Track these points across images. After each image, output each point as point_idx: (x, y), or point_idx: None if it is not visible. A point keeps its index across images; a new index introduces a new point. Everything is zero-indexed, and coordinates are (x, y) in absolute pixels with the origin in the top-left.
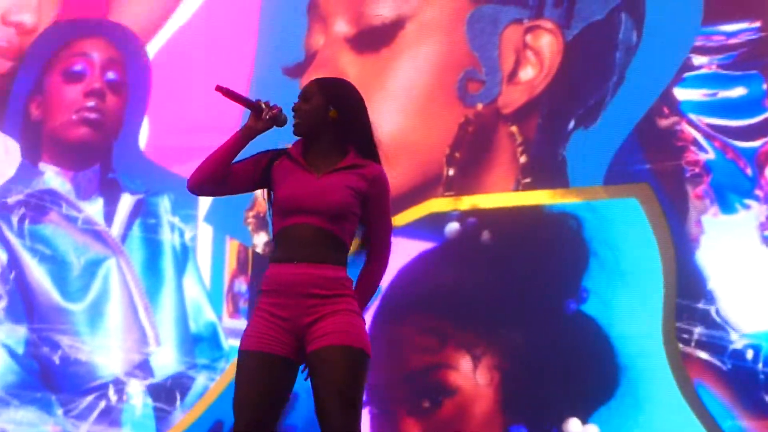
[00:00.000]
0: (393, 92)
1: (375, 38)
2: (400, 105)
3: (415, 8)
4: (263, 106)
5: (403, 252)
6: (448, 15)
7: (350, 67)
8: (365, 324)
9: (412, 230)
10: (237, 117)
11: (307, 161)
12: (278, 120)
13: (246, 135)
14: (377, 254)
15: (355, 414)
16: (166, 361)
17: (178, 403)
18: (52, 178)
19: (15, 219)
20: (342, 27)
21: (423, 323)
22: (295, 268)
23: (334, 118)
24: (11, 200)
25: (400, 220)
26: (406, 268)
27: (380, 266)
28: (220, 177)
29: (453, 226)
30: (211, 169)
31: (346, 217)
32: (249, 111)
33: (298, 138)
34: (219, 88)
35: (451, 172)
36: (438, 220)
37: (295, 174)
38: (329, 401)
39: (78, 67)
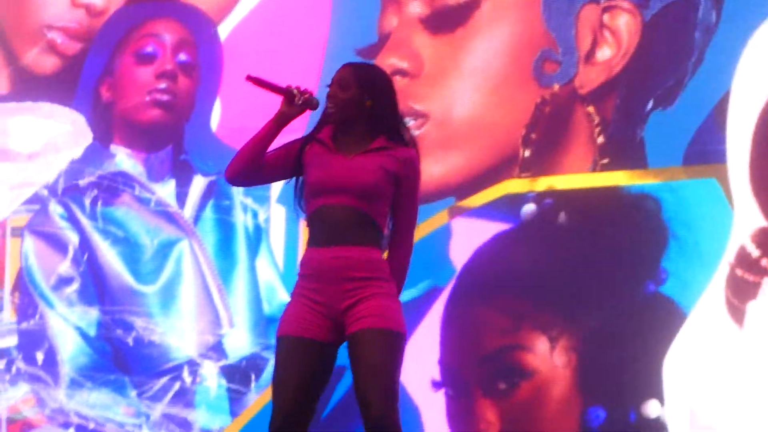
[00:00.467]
0: (468, 73)
1: (450, 19)
2: (475, 86)
3: None
4: (295, 91)
5: (478, 233)
6: None
7: (424, 49)
8: (401, 307)
9: (488, 211)
10: None
11: (337, 145)
12: (311, 104)
13: (280, 121)
14: (402, 239)
15: (394, 396)
16: (240, 342)
17: (252, 384)
18: (124, 160)
19: (87, 201)
20: (416, 8)
21: (499, 304)
22: (332, 252)
23: (369, 108)
24: (83, 182)
25: (475, 201)
26: (481, 249)
27: (407, 252)
28: (256, 165)
29: (529, 208)
30: (248, 157)
31: (379, 197)
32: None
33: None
34: (249, 78)
35: (527, 152)
36: (514, 201)
37: (326, 156)
38: (368, 384)
39: (149, 49)
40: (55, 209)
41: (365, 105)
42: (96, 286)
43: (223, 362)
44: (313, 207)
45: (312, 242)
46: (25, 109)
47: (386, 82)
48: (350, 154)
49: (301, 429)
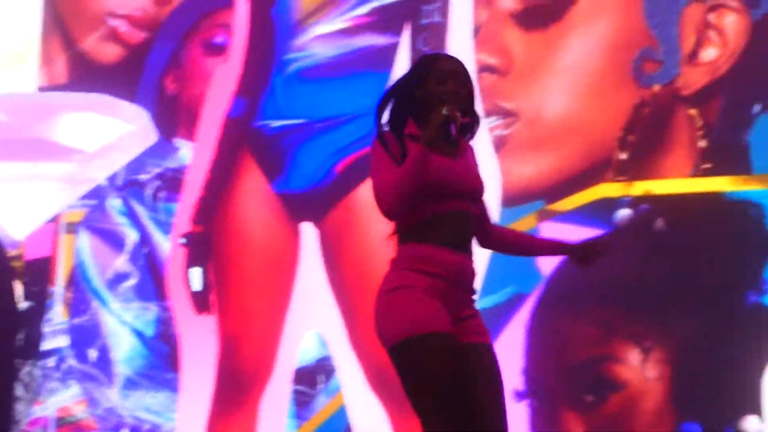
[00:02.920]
0: (562, 71)
1: (543, 14)
2: (570, 85)
3: None
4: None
5: (570, 238)
6: None
7: (516, 44)
8: None
9: (579, 216)
10: None
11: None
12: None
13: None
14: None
15: (506, 413)
16: (309, 344)
17: (320, 386)
18: (189, 154)
19: (148, 194)
20: (507, 2)
21: (588, 314)
22: (459, 257)
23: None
24: (144, 177)
25: (567, 204)
26: None
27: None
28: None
29: (624, 213)
30: (411, 192)
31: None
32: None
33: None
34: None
35: (623, 155)
36: (608, 205)
37: (434, 157)
38: (492, 398)
39: (219, 39)
40: (114, 204)
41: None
42: (154, 282)
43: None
44: (436, 210)
45: (437, 241)
46: (88, 105)
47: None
48: (452, 155)
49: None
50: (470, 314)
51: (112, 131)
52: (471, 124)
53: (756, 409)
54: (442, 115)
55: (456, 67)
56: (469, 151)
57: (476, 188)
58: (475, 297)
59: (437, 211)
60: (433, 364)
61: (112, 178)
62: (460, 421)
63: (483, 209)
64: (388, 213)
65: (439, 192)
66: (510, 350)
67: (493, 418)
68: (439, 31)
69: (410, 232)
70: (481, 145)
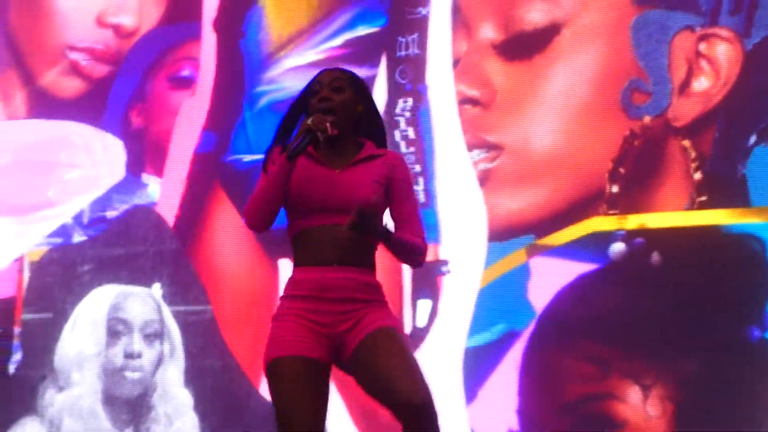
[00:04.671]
0: (547, 102)
1: (526, 44)
2: (555, 116)
3: (571, 13)
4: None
5: (561, 273)
6: (609, 20)
7: (498, 75)
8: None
9: (572, 251)
10: None
11: (322, 155)
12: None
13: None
14: (414, 232)
15: (427, 385)
16: None
17: None
18: (158, 190)
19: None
20: (488, 32)
21: (583, 350)
22: (333, 272)
23: (359, 113)
24: (111, 213)
25: (558, 239)
26: (564, 290)
27: (422, 239)
28: (279, 205)
29: (618, 247)
30: (272, 201)
31: (376, 213)
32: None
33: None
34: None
35: (615, 188)
36: (601, 239)
37: (313, 170)
38: (398, 374)
39: (185, 72)
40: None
41: (356, 110)
42: None
43: None
44: (303, 226)
45: (304, 262)
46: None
47: (368, 86)
48: (338, 166)
49: None
50: (351, 325)
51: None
52: (374, 134)
53: None
54: (305, 125)
55: (334, 76)
56: (375, 165)
57: (351, 202)
58: (362, 305)
59: (305, 226)
60: (277, 390)
61: (78, 216)
62: None
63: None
64: (250, 225)
65: (303, 206)
66: (503, 389)
67: (410, 391)
68: (417, 62)
69: (293, 254)
70: (466, 178)
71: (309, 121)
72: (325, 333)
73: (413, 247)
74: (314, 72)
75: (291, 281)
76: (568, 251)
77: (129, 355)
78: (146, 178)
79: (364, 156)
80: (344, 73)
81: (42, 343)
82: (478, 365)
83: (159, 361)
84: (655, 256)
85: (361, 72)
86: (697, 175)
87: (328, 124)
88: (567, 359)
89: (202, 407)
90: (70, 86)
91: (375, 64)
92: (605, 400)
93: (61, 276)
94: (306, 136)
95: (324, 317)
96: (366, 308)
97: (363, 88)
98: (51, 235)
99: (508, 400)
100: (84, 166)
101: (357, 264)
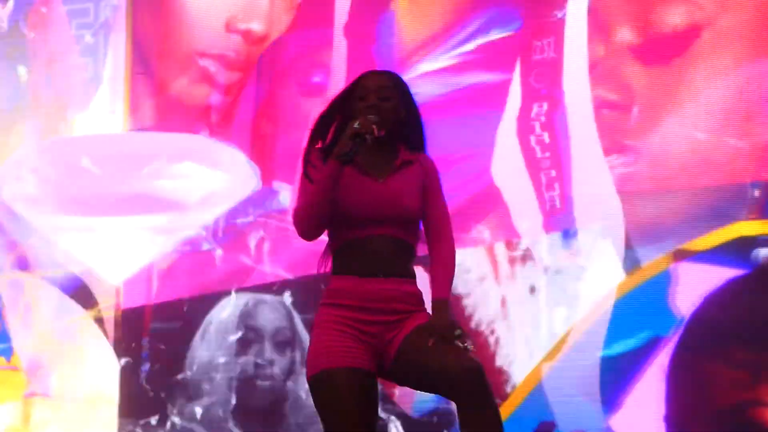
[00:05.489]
0: (687, 106)
1: (665, 48)
2: (695, 120)
3: (711, 15)
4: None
5: (707, 278)
6: (750, 22)
7: (636, 79)
8: None
9: (718, 256)
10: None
11: (363, 162)
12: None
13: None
14: (444, 236)
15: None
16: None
17: None
18: (288, 197)
19: (252, 243)
20: (626, 35)
21: (733, 357)
22: (380, 283)
23: (402, 118)
24: (242, 221)
25: (703, 244)
26: (711, 296)
27: (451, 248)
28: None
29: (763, 252)
30: (321, 210)
31: (417, 221)
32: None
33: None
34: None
35: (756, 193)
36: (745, 244)
37: (356, 179)
38: (442, 351)
39: (317, 79)
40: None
41: (400, 116)
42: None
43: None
44: (349, 237)
45: (348, 271)
46: (185, 152)
47: (410, 90)
48: (379, 174)
49: None
50: (393, 336)
51: (211, 185)
52: (412, 138)
53: None
54: (353, 128)
55: (380, 81)
56: (412, 171)
57: (401, 215)
58: (406, 316)
59: (352, 237)
60: (322, 399)
61: (211, 226)
62: None
63: (416, 234)
64: (302, 234)
65: (352, 216)
66: (649, 395)
67: (462, 356)
68: (552, 66)
69: (333, 263)
70: (603, 183)
71: (356, 125)
72: (373, 343)
73: (453, 274)
74: (447, 78)
75: (333, 290)
76: (714, 256)
77: (260, 364)
78: (277, 185)
79: (401, 162)
80: (391, 79)
81: (171, 352)
82: (623, 372)
83: (290, 370)
84: None
85: (494, 77)
86: None
87: (374, 126)
88: (716, 365)
89: None
90: (200, 94)
91: (508, 69)
92: (756, 407)
93: (189, 285)
94: (356, 139)
95: (371, 327)
96: (408, 317)
97: (407, 93)
98: (181, 244)
99: (654, 407)
100: (215, 178)
101: (401, 274)
